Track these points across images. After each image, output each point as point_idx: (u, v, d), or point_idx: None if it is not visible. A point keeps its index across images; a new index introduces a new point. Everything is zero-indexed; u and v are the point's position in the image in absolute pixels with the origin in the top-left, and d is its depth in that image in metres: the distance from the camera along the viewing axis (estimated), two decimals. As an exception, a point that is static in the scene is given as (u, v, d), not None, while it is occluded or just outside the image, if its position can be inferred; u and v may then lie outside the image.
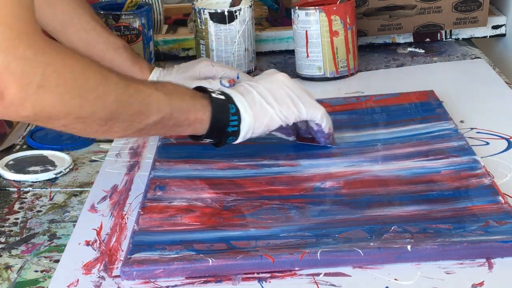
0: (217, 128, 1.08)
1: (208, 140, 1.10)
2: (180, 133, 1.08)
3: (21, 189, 1.19)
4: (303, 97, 1.15)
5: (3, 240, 1.05)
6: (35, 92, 0.90)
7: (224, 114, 1.08)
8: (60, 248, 1.02)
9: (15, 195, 1.17)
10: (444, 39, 1.68)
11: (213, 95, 1.09)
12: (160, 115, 1.02)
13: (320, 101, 1.35)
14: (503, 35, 1.68)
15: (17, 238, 1.06)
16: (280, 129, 1.18)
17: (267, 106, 1.11)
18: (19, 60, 0.88)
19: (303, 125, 1.20)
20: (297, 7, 1.49)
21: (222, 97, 1.09)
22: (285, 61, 1.63)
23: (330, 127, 1.19)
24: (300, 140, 1.22)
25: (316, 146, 1.21)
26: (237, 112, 1.09)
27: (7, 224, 1.09)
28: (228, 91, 1.12)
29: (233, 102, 1.09)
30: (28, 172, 1.21)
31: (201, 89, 1.10)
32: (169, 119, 1.04)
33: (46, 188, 1.18)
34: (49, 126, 0.98)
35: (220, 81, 1.40)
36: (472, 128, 1.27)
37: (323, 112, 1.17)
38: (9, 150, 1.31)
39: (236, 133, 1.10)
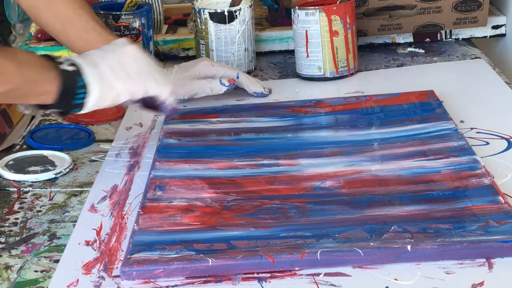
0: (63, 100, 1.09)
1: (55, 110, 1.11)
2: (26, 102, 1.11)
3: (21, 189, 1.18)
4: (153, 72, 1.16)
5: (3, 240, 1.05)
6: None
7: (72, 87, 1.09)
8: (60, 248, 1.02)
9: (15, 195, 1.17)
10: (444, 39, 1.68)
11: (62, 66, 1.09)
12: (9, 86, 1.05)
13: (320, 101, 1.36)
14: (503, 35, 1.68)
15: (17, 238, 1.05)
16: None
17: (116, 82, 1.12)
18: None
19: (147, 97, 1.19)
20: (297, 7, 1.49)
21: (72, 68, 1.09)
22: (285, 61, 1.63)
23: (173, 106, 1.19)
24: (145, 107, 1.21)
25: (315, 145, 1.21)
26: (85, 85, 1.10)
27: (7, 224, 1.09)
28: (78, 61, 1.11)
29: (81, 75, 1.10)
30: (28, 172, 1.21)
31: (50, 58, 1.10)
32: (18, 90, 1.06)
33: (46, 188, 1.18)
34: None
35: (220, 80, 1.40)
36: (472, 128, 1.27)
37: (169, 91, 1.18)
38: (9, 150, 1.31)
39: (81, 106, 1.11)
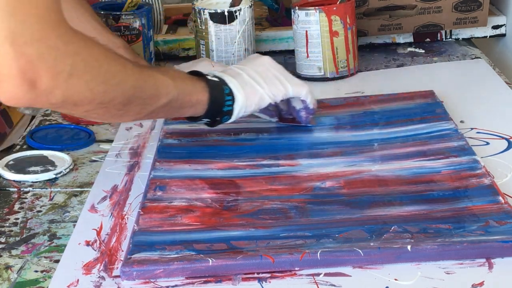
0: (214, 108, 1.16)
1: (205, 120, 1.18)
2: (182, 115, 1.16)
3: (21, 189, 1.18)
4: (288, 77, 1.24)
5: (3, 240, 1.05)
6: (66, 80, 0.94)
7: (220, 94, 1.16)
8: (60, 248, 1.02)
9: (15, 195, 1.17)
10: (444, 39, 1.68)
11: (208, 77, 1.16)
12: (168, 98, 1.09)
13: (320, 101, 1.36)
14: (503, 35, 1.68)
15: (17, 238, 1.06)
16: (264, 110, 1.26)
17: (256, 86, 1.19)
18: (51, 50, 0.92)
19: (285, 106, 1.28)
20: (297, 7, 1.49)
21: (216, 79, 1.17)
22: (285, 61, 1.63)
23: (315, 103, 1.27)
24: (282, 121, 1.29)
25: (315, 145, 1.21)
26: (231, 93, 1.17)
27: (7, 224, 1.09)
28: (219, 74, 1.18)
29: (226, 84, 1.17)
30: (28, 172, 1.21)
31: (196, 73, 1.17)
32: (176, 101, 1.10)
33: (46, 188, 1.18)
34: (72, 113, 1.03)
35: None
36: (472, 128, 1.27)
37: (307, 90, 1.24)
38: (9, 150, 1.31)
39: (230, 112, 1.17)
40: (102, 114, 1.03)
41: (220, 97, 1.15)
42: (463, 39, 1.68)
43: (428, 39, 1.67)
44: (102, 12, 1.51)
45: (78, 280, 0.95)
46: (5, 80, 0.91)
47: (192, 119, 1.18)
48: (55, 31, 0.92)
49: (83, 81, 0.96)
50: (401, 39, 1.67)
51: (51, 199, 1.15)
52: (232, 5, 1.51)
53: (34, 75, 0.91)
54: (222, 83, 1.16)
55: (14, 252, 1.02)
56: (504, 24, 1.67)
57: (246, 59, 1.26)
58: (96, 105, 1.00)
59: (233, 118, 1.18)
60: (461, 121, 1.29)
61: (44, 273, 0.98)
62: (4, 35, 0.89)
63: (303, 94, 1.24)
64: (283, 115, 1.29)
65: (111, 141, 1.31)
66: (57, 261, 0.99)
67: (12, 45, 0.90)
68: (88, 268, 0.97)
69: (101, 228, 1.06)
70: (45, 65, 0.92)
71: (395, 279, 0.92)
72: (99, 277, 0.95)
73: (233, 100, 1.16)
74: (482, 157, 1.15)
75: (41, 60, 0.91)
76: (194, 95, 1.13)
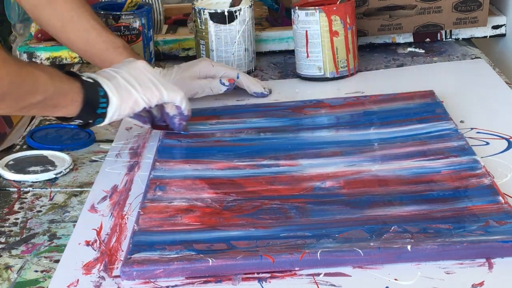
0: (88, 110, 1.15)
1: (77, 121, 1.17)
2: (55, 114, 1.16)
3: (21, 189, 1.18)
4: (163, 82, 1.23)
5: (3, 240, 1.05)
6: None
7: (95, 96, 1.15)
8: (60, 248, 1.02)
9: (15, 195, 1.17)
10: (444, 39, 1.68)
11: (83, 78, 1.16)
12: (44, 96, 1.10)
13: (320, 101, 1.36)
14: (503, 35, 1.68)
15: (17, 238, 1.05)
16: (137, 116, 1.25)
17: (131, 90, 1.19)
18: None
19: (158, 113, 1.27)
20: (297, 7, 1.49)
21: (91, 80, 1.16)
22: (285, 61, 1.63)
23: (189, 110, 1.26)
24: (155, 128, 1.29)
25: (315, 145, 1.21)
26: (105, 95, 1.16)
27: (7, 224, 1.09)
28: (93, 76, 1.18)
29: (100, 86, 1.16)
30: (28, 172, 1.21)
31: (71, 74, 1.17)
32: (51, 99, 1.11)
33: (46, 188, 1.18)
34: None
35: (220, 80, 1.40)
36: (472, 128, 1.27)
37: (182, 95, 1.24)
38: (9, 150, 1.31)
39: (104, 115, 1.17)
40: None
41: (94, 99, 1.15)
42: (463, 39, 1.68)
43: (428, 39, 1.67)
44: (102, 12, 1.51)
45: (78, 280, 0.95)
46: None
47: (64, 119, 1.17)
48: None
49: None
50: (401, 39, 1.67)
51: (51, 199, 1.15)
52: (232, 5, 1.51)
53: None
54: (97, 84, 1.16)
55: (14, 252, 1.02)
56: (504, 24, 1.67)
57: (121, 63, 1.24)
58: None
59: (106, 121, 1.17)
60: (461, 121, 1.29)
61: (44, 273, 0.98)
62: None
63: (178, 100, 1.23)
64: (156, 122, 1.28)
65: (111, 141, 1.31)
66: (57, 261, 0.99)
67: None
68: (88, 268, 0.97)
69: (101, 228, 1.05)
70: None
71: (395, 279, 0.92)
72: (99, 277, 0.95)
73: (107, 103, 1.16)
74: (482, 157, 1.15)
75: None
76: (69, 95, 1.13)
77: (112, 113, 1.17)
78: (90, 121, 1.17)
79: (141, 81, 1.20)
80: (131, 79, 1.19)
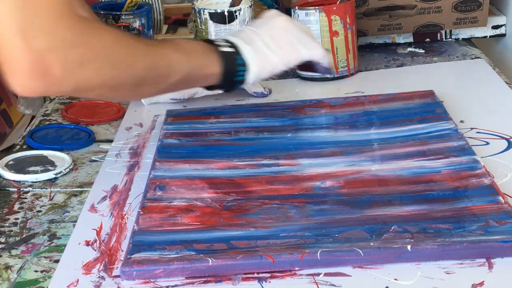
0: (227, 79, 1.18)
1: (219, 89, 1.21)
2: (195, 86, 1.24)
3: (21, 189, 1.18)
4: (303, 39, 1.24)
5: (3, 240, 1.05)
6: (76, 70, 0.97)
7: (233, 66, 1.17)
8: (60, 248, 1.02)
9: (15, 195, 1.17)
10: (444, 39, 1.68)
11: (221, 49, 1.17)
12: (180, 75, 1.12)
13: (320, 101, 1.36)
14: (503, 35, 1.68)
15: (17, 238, 1.05)
16: None
17: (270, 55, 1.20)
18: (61, 42, 0.95)
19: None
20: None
21: (230, 49, 1.18)
22: (285, 61, 1.62)
23: (330, 62, 1.30)
24: (301, 69, 1.34)
25: (315, 145, 1.21)
26: (244, 63, 1.18)
27: (7, 224, 1.09)
28: (233, 40, 1.19)
29: (239, 53, 1.18)
30: (28, 172, 1.21)
31: (210, 42, 1.19)
32: (188, 77, 1.13)
33: (46, 188, 1.18)
34: (83, 96, 1.16)
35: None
36: (472, 128, 1.27)
37: (322, 53, 1.26)
38: (9, 150, 1.31)
39: (243, 82, 1.20)
40: (115, 95, 1.15)
41: (232, 69, 1.17)
42: (463, 39, 1.68)
43: (428, 39, 1.67)
44: (102, 12, 1.51)
45: (78, 280, 0.95)
46: (18, 73, 0.95)
47: (207, 88, 1.21)
48: (64, 22, 0.95)
49: (93, 69, 0.99)
50: (401, 39, 1.67)
51: (51, 199, 1.15)
52: (232, 5, 1.51)
53: (45, 67, 0.95)
54: (236, 53, 1.18)
55: (14, 252, 1.02)
56: (504, 24, 1.67)
57: (263, 18, 1.25)
58: (107, 89, 1.03)
59: (245, 85, 1.23)
60: (461, 121, 1.29)
61: (44, 273, 0.98)
62: (15, 29, 0.93)
63: (317, 57, 1.25)
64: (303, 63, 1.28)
65: (111, 141, 1.31)
66: (57, 261, 0.99)
67: (24, 39, 0.93)
68: (88, 268, 0.97)
69: (101, 228, 1.05)
70: (55, 57, 0.95)
71: (395, 279, 0.92)
72: (99, 277, 0.95)
73: (246, 70, 1.18)
74: (482, 157, 1.15)
75: (51, 53, 0.94)
76: (208, 68, 1.15)
77: (252, 79, 1.20)
78: (230, 87, 1.20)
79: (281, 43, 1.21)
80: (271, 42, 1.20)
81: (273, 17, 1.25)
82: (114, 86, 1.04)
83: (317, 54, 1.25)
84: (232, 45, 1.18)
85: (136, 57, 1.05)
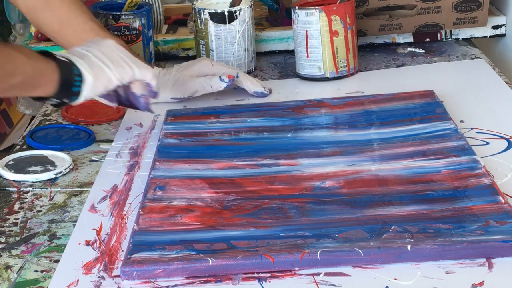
0: (64, 89, 1.16)
1: (54, 101, 1.18)
2: (33, 94, 1.17)
3: (21, 189, 1.18)
4: (134, 60, 1.25)
5: (3, 240, 1.05)
6: None
7: (70, 74, 1.17)
8: (60, 248, 1.02)
9: (15, 195, 1.17)
10: (444, 39, 1.68)
11: (58, 57, 1.17)
12: (23, 76, 1.12)
13: (320, 101, 1.36)
14: (503, 35, 1.68)
15: (17, 238, 1.06)
16: (105, 95, 1.27)
17: (104, 67, 1.20)
18: None
19: (123, 93, 1.29)
20: (297, 7, 1.49)
21: (65, 59, 1.17)
22: (285, 61, 1.63)
23: (158, 87, 1.29)
24: (121, 106, 1.31)
25: (315, 145, 1.21)
26: (80, 73, 1.17)
27: (7, 224, 1.09)
28: (66, 55, 1.19)
29: (74, 64, 1.18)
30: (28, 172, 1.21)
31: (44, 53, 1.18)
32: (29, 80, 1.13)
33: (46, 188, 1.18)
34: None
35: (220, 77, 1.40)
36: (472, 128, 1.27)
37: (153, 73, 1.26)
38: (9, 150, 1.31)
39: (78, 94, 1.18)
40: None
41: (70, 78, 1.16)
42: (463, 39, 1.68)
43: (428, 39, 1.67)
44: (102, 12, 1.51)
45: (78, 280, 0.95)
46: None
47: (39, 100, 1.19)
48: None
49: None
50: (401, 39, 1.67)
51: (51, 199, 1.15)
52: (232, 5, 1.51)
53: None
54: (70, 63, 1.17)
55: (14, 252, 1.02)
56: (504, 24, 1.67)
57: (90, 42, 1.25)
58: None
59: (80, 99, 1.19)
60: (461, 121, 1.29)
61: (44, 273, 0.98)
62: None
63: (149, 77, 1.25)
64: (122, 101, 1.30)
65: (111, 141, 1.31)
66: (57, 261, 0.99)
67: None
68: (88, 268, 0.97)
69: (101, 228, 1.06)
70: None
71: (395, 279, 0.92)
72: (99, 277, 0.95)
73: (82, 81, 1.17)
74: (482, 157, 1.15)
75: None
76: (47, 74, 1.14)
77: (87, 90, 1.18)
78: (66, 101, 1.18)
79: (113, 59, 1.22)
80: (103, 57, 1.21)
81: (101, 39, 1.25)
82: None
83: (149, 74, 1.25)
84: (65, 58, 1.18)
85: None
